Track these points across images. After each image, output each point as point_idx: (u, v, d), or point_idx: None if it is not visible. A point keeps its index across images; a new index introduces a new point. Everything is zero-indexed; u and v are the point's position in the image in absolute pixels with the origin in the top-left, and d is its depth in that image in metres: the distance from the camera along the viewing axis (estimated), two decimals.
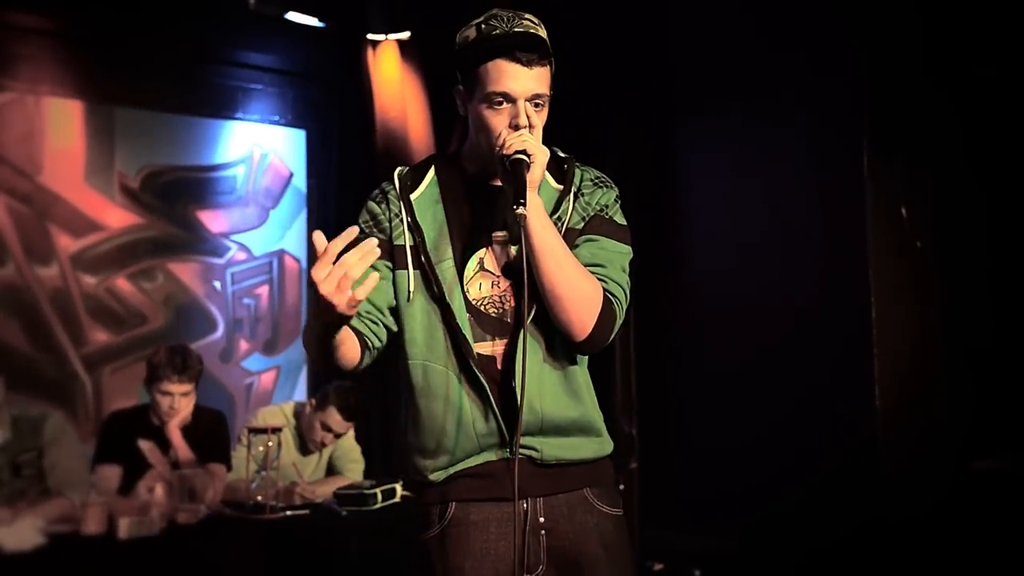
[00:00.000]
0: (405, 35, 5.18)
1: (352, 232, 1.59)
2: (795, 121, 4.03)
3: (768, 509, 3.95)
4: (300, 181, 5.47)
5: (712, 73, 4.39)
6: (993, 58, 3.83)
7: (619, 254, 1.90)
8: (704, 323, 4.32)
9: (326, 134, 5.48)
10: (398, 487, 3.57)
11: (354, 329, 1.82)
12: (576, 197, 1.90)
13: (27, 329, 4.58)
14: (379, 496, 3.44)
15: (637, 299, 2.13)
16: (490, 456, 1.82)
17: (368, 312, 1.85)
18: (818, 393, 3.85)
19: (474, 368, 1.80)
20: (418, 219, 1.86)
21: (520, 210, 1.70)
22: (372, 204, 1.92)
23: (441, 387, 1.81)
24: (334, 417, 3.75)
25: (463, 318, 1.82)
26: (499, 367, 1.83)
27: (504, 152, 1.77)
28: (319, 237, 1.60)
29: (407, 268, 1.84)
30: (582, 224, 1.89)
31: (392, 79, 5.22)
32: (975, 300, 3.93)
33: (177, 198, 5.08)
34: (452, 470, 1.83)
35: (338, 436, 3.84)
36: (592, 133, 4.42)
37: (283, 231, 5.39)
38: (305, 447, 3.87)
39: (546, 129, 1.87)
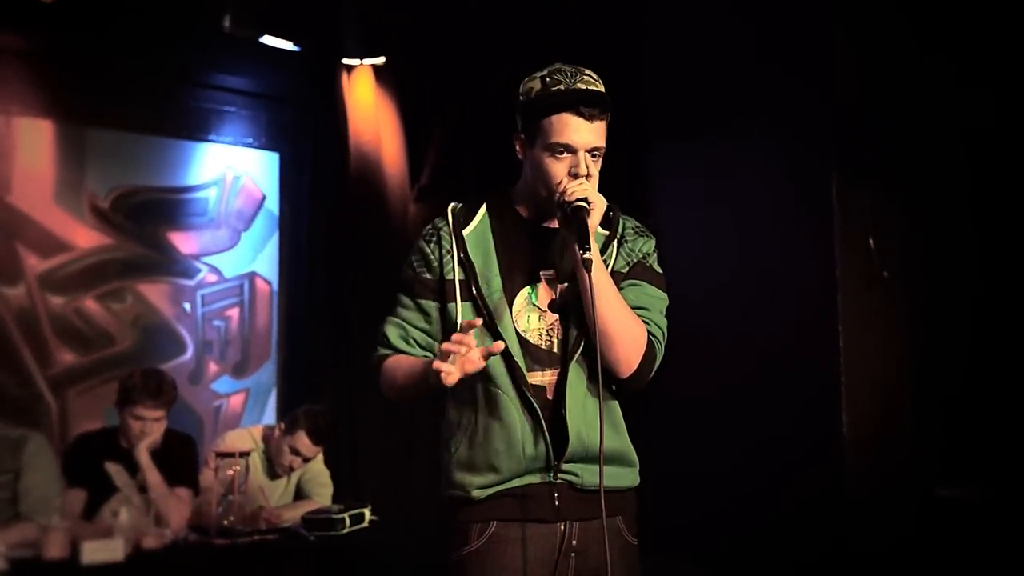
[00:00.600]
0: (380, 60, 5.20)
1: (476, 322, 1.82)
2: (764, 151, 4.08)
3: (736, 539, 3.96)
4: (272, 204, 5.44)
5: (683, 101, 4.44)
6: (970, 83, 3.90)
7: (660, 300, 2.07)
8: (671, 351, 4.33)
9: (299, 157, 5.46)
10: (366, 512, 3.55)
11: None
12: (620, 243, 2.04)
13: None
14: (347, 521, 3.42)
15: None
16: (532, 479, 1.94)
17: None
18: (786, 423, 3.87)
19: (528, 396, 1.92)
20: (470, 254, 1.99)
21: (587, 254, 1.82)
22: (422, 243, 2.06)
23: (498, 409, 1.93)
24: (303, 441, 3.73)
25: (516, 348, 1.93)
26: (549, 396, 1.95)
27: (566, 199, 1.91)
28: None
29: (456, 301, 1.97)
30: (627, 269, 2.05)
31: (366, 104, 5.24)
32: (942, 330, 3.98)
33: (148, 219, 5.03)
34: (493, 490, 1.93)
35: (307, 460, 3.81)
36: None
37: (255, 253, 5.36)
38: (273, 471, 3.84)
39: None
